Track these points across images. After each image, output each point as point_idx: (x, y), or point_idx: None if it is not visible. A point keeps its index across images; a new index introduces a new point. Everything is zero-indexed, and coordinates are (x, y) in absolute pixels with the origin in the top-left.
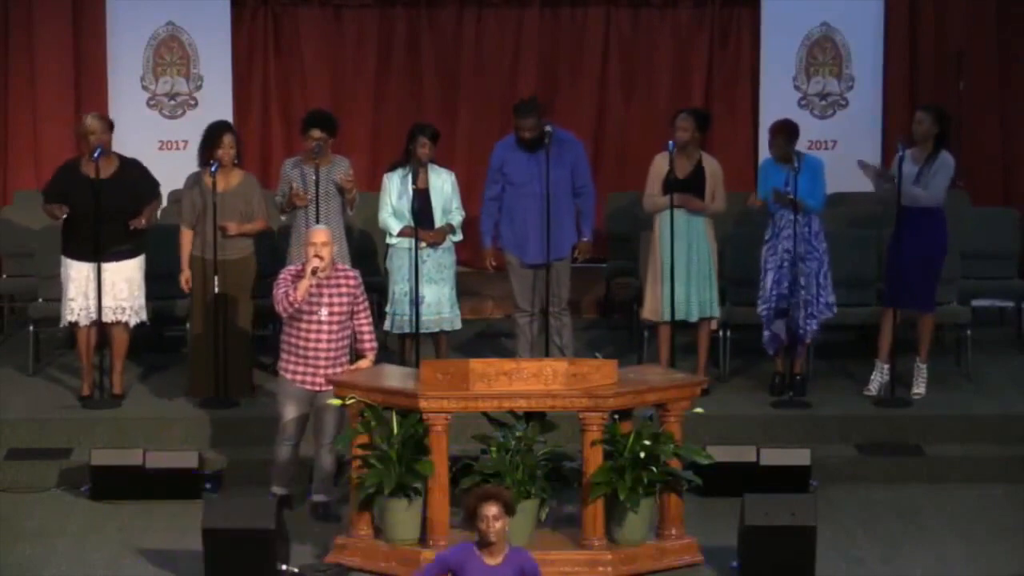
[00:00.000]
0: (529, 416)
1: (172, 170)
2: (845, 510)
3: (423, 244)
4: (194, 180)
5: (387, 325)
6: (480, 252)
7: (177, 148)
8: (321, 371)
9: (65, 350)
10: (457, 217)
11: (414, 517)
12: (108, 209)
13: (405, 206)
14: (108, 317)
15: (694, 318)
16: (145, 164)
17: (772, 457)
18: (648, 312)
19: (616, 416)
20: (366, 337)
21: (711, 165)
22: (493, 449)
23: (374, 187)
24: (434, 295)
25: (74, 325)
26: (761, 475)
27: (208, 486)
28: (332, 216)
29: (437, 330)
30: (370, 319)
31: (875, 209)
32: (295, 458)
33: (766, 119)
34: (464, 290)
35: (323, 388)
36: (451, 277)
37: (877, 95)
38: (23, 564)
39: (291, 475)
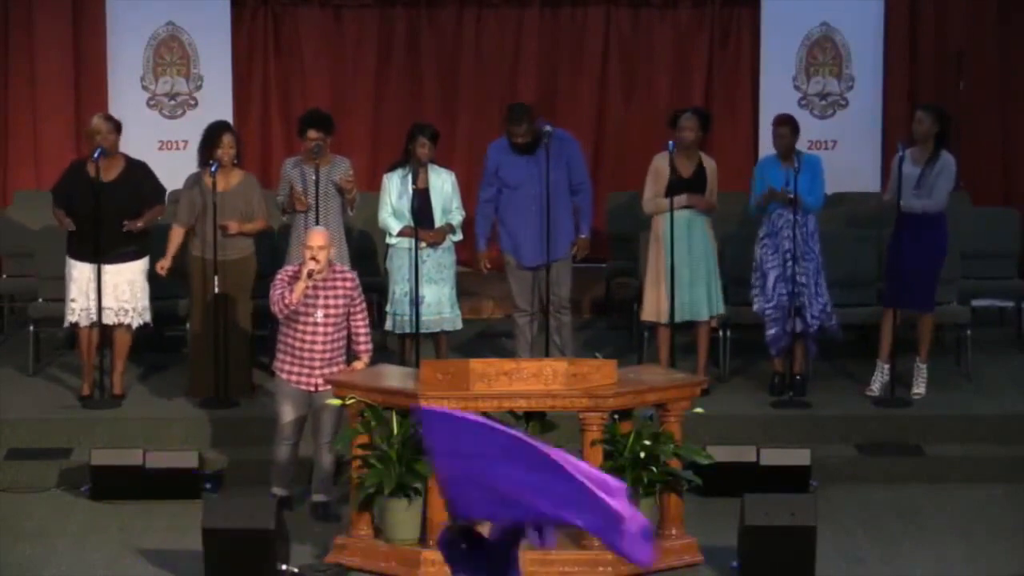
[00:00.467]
0: (529, 416)
1: (172, 170)
2: (845, 510)
3: (423, 244)
4: (194, 180)
5: (387, 325)
6: (475, 254)
7: (177, 148)
8: (317, 372)
9: (65, 350)
10: (457, 217)
11: (414, 517)
12: (111, 211)
13: (405, 206)
14: (110, 319)
15: (703, 316)
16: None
17: (772, 457)
18: (649, 313)
19: (616, 416)
20: (361, 339)
21: (710, 164)
22: None
23: (374, 187)
24: (434, 295)
25: (75, 326)
26: (761, 475)
27: (208, 486)
28: (332, 216)
29: (438, 330)
30: (367, 321)
31: (875, 209)
32: (294, 458)
33: (766, 119)
34: (464, 290)
35: (319, 389)
36: (451, 277)
37: (877, 95)
38: (23, 564)
39: (291, 475)
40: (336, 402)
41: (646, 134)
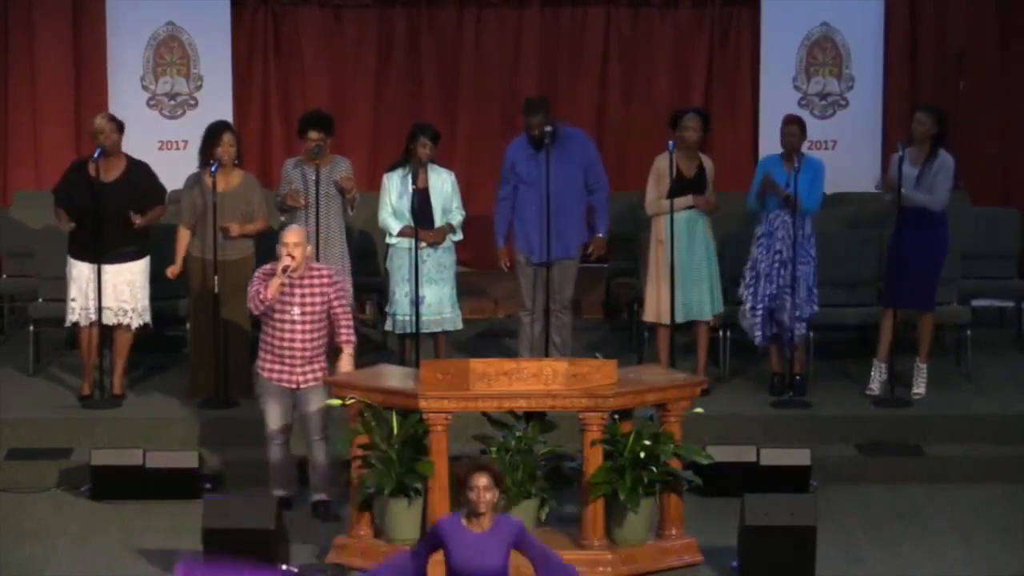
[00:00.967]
0: (529, 416)
1: (172, 170)
2: (845, 510)
3: (423, 244)
4: (194, 180)
5: (387, 325)
6: (494, 252)
7: (177, 148)
8: (299, 369)
9: (65, 350)
10: (457, 217)
11: (414, 517)
12: (111, 210)
13: (405, 206)
14: (110, 319)
15: (706, 316)
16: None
17: (772, 457)
18: (649, 313)
19: (616, 416)
20: (342, 329)
21: (709, 164)
22: (493, 449)
23: (374, 187)
24: (435, 295)
25: (75, 325)
26: (761, 475)
27: (208, 486)
28: (333, 216)
29: (438, 330)
30: (348, 312)
31: (875, 209)
32: (288, 456)
33: (766, 119)
34: (465, 290)
35: (301, 386)
36: (451, 277)
37: (877, 95)
38: (23, 564)
39: (289, 476)
40: (336, 402)
41: (646, 134)
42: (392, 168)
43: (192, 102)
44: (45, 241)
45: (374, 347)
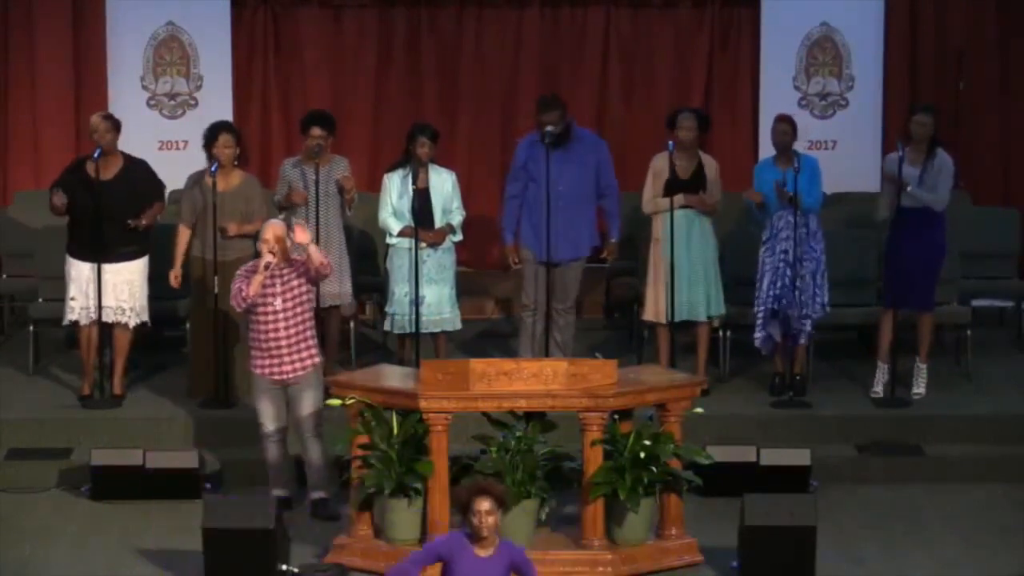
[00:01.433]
0: (529, 416)
1: (172, 170)
2: (845, 510)
3: (423, 244)
4: (195, 180)
5: (387, 325)
6: (501, 249)
7: (177, 148)
8: (286, 358)
9: (65, 350)
10: (457, 217)
11: (414, 517)
12: (110, 209)
13: (405, 206)
14: (109, 317)
15: (702, 317)
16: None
17: (772, 457)
18: (649, 313)
19: (616, 416)
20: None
21: (712, 164)
22: (493, 449)
23: (374, 187)
24: (434, 295)
25: (75, 324)
26: (761, 475)
27: (208, 486)
28: (332, 216)
29: (438, 330)
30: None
31: (875, 210)
32: (285, 455)
33: (766, 119)
34: (465, 290)
35: (290, 377)
36: (451, 277)
37: (877, 95)
38: (23, 564)
39: (287, 475)
40: (336, 402)
41: (646, 134)
42: (392, 168)
43: (192, 102)
44: (45, 241)
45: (374, 347)
